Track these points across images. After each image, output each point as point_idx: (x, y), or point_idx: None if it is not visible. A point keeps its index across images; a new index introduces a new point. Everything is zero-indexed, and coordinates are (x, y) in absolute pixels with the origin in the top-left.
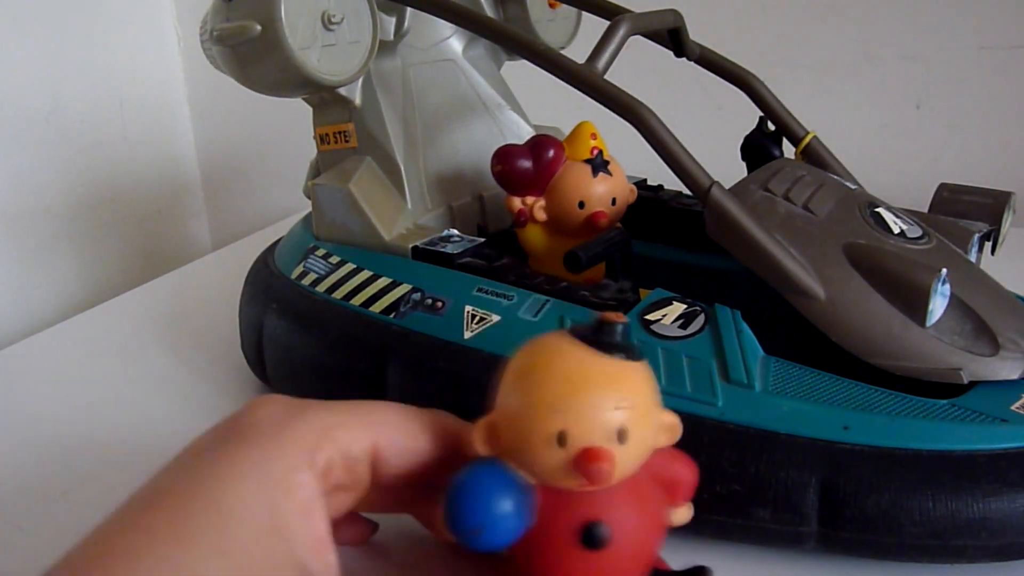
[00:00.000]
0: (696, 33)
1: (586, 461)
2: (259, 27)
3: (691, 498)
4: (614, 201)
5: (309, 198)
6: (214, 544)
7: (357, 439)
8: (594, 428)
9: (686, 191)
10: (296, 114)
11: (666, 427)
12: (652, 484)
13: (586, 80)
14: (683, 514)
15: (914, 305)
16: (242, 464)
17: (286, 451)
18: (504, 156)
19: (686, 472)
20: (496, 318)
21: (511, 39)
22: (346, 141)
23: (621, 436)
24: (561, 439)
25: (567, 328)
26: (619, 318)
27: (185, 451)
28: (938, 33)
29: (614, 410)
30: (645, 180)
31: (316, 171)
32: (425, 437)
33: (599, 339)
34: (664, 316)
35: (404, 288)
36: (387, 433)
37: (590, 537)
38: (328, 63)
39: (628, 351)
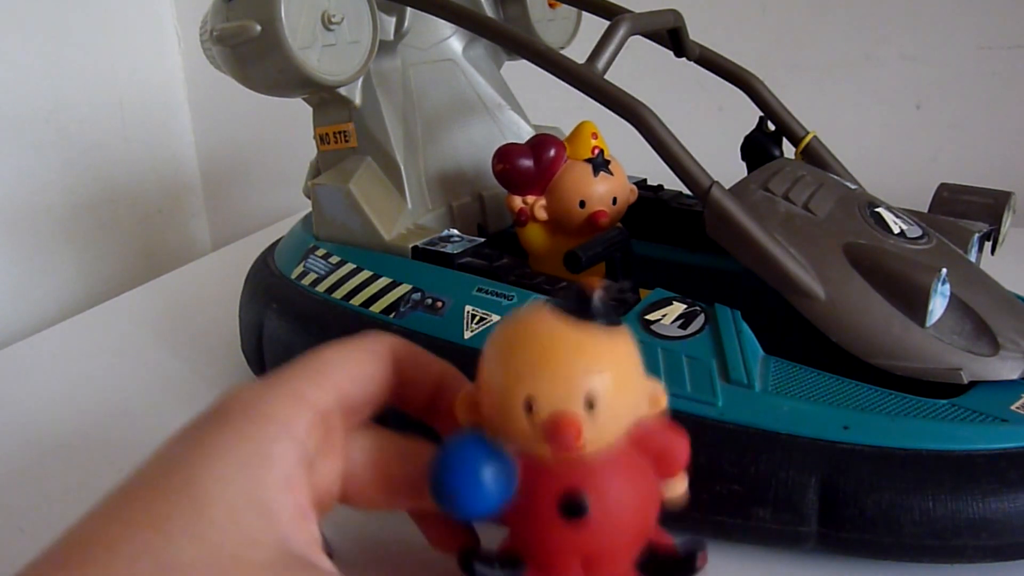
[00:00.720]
0: (696, 33)
1: (552, 428)
2: (259, 27)
3: (684, 469)
4: (615, 200)
5: (309, 198)
6: (188, 527)
7: (326, 392)
8: (560, 394)
9: (686, 191)
10: (296, 114)
11: (649, 395)
12: (638, 455)
13: (586, 80)
14: (677, 486)
15: (914, 305)
16: (216, 445)
17: (260, 425)
18: (505, 155)
19: (676, 442)
20: (496, 318)
21: (511, 39)
22: (346, 141)
23: (590, 403)
24: (529, 405)
25: (546, 298)
26: (595, 283)
27: (161, 445)
28: (938, 33)
29: (582, 376)
30: (645, 180)
31: (316, 171)
32: (373, 362)
33: (573, 306)
34: (664, 316)
35: (404, 288)
36: (346, 371)
37: (568, 507)
38: (328, 63)
39: (605, 317)
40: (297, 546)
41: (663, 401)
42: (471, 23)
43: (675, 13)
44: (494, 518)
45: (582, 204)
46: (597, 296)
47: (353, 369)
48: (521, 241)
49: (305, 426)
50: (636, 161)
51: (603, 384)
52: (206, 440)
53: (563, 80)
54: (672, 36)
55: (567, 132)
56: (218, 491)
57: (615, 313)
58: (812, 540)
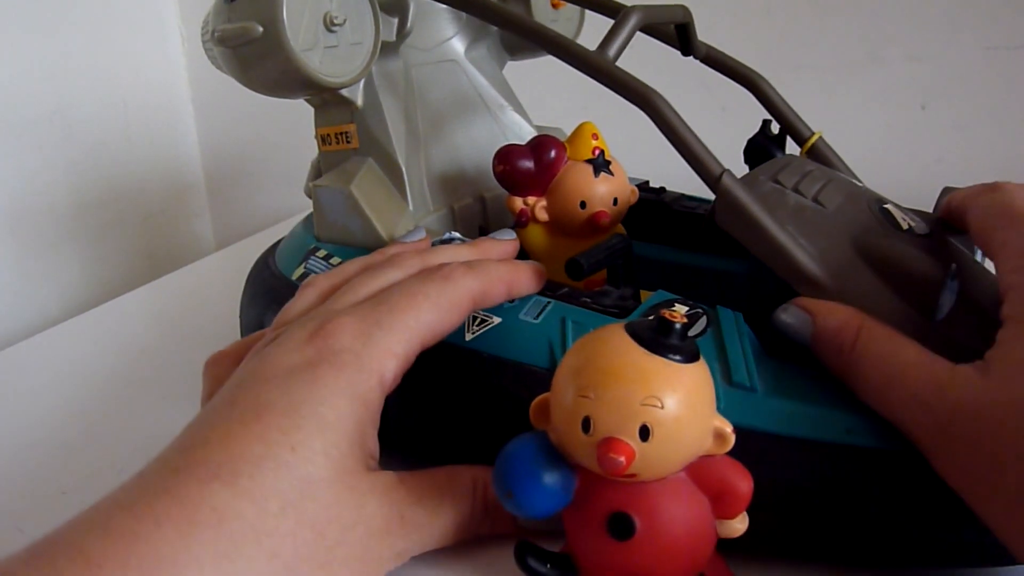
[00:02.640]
0: (701, 32)
1: (603, 450)
2: (260, 28)
3: (743, 511)
4: (616, 201)
5: (311, 199)
6: (319, 449)
7: (412, 346)
8: (615, 420)
9: (688, 193)
10: (299, 115)
11: (716, 434)
12: (695, 489)
13: (597, 66)
14: (733, 527)
15: (923, 299)
16: (335, 386)
17: (365, 374)
18: (506, 156)
19: (738, 483)
20: (497, 320)
21: (522, 27)
22: (348, 142)
23: (644, 433)
24: (586, 425)
25: (626, 322)
26: (676, 317)
27: (273, 368)
28: (944, 34)
29: (639, 406)
30: (647, 182)
31: (317, 172)
32: (453, 312)
33: (648, 335)
34: None
35: None
36: (428, 324)
37: (616, 526)
38: (330, 65)
39: (678, 352)
40: (373, 467)
41: (730, 440)
42: (483, 12)
43: (684, 9)
44: (555, 521)
45: (583, 205)
46: (676, 330)
47: (435, 323)
48: (522, 242)
49: (393, 375)
50: (638, 162)
51: (660, 417)
52: (325, 379)
53: (574, 67)
54: (680, 32)
55: (569, 133)
56: (338, 423)
57: (692, 347)
58: (814, 543)
